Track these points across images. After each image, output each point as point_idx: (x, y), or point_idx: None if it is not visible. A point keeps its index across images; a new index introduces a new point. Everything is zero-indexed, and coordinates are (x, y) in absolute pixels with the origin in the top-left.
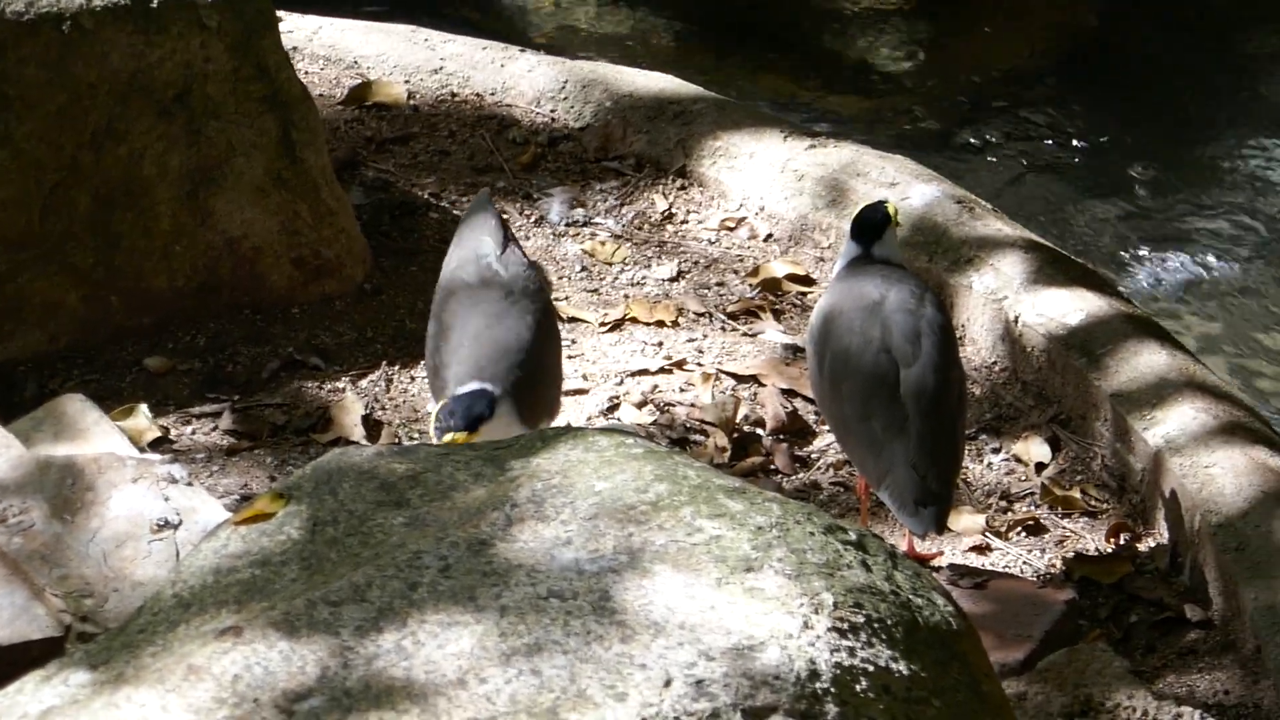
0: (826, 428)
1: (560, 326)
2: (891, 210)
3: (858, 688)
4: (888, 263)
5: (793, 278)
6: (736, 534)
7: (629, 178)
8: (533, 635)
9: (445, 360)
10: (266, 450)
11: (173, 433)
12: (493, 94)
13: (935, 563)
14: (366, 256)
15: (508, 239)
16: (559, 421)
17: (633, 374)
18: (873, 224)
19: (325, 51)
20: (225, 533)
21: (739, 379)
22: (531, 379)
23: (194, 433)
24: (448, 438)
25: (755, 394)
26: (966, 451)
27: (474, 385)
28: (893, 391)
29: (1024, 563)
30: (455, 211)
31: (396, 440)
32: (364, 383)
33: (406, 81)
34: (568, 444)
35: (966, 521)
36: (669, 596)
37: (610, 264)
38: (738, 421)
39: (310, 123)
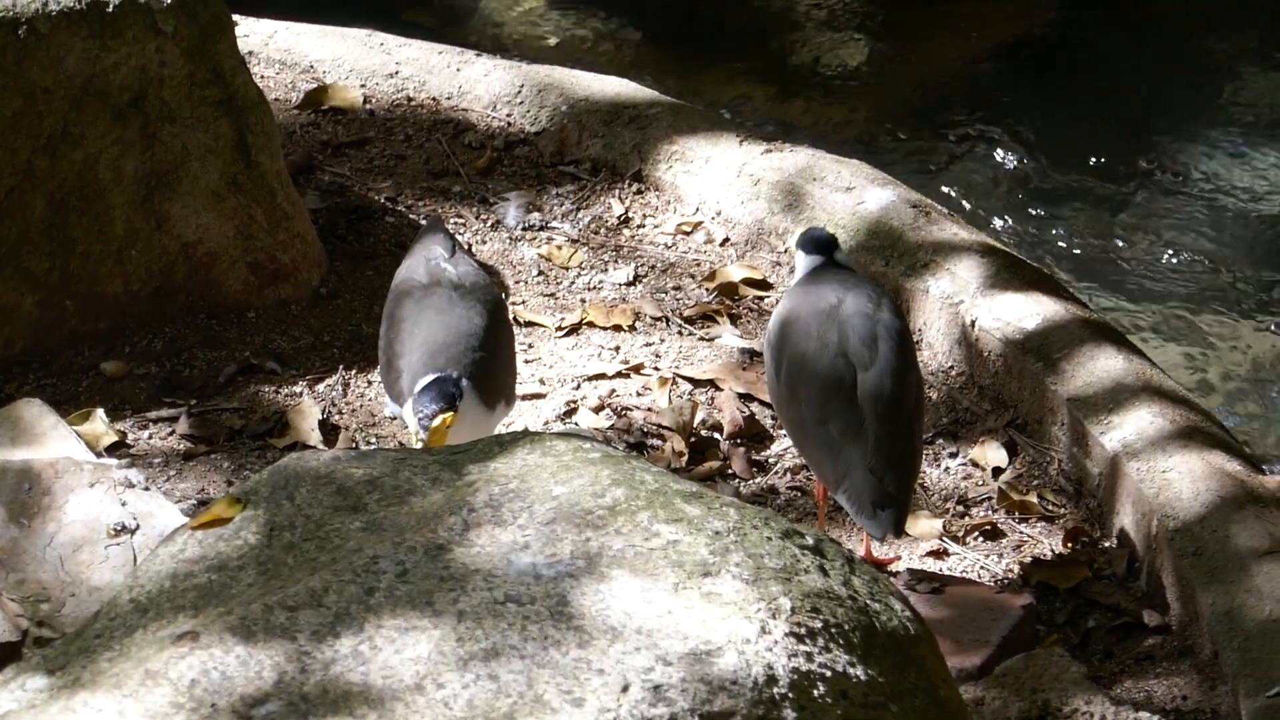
0: (784, 432)
1: (517, 330)
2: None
3: (815, 693)
4: (845, 269)
5: (749, 282)
6: (694, 539)
7: (585, 182)
8: (490, 640)
9: (398, 351)
10: (223, 455)
11: (129, 437)
12: (449, 98)
13: (893, 568)
14: (322, 261)
15: (456, 248)
16: (516, 424)
17: (590, 378)
18: (826, 239)
19: (281, 56)
20: (182, 537)
21: (696, 383)
22: (488, 364)
23: (151, 437)
24: (436, 422)
25: (712, 398)
26: (924, 456)
27: (433, 375)
28: (850, 395)
29: (981, 568)
30: (411, 216)
31: (354, 444)
32: (321, 387)
33: (362, 86)
34: (525, 448)
35: (924, 526)
36: (626, 601)
37: (567, 268)
38: (695, 426)
39: (266, 127)
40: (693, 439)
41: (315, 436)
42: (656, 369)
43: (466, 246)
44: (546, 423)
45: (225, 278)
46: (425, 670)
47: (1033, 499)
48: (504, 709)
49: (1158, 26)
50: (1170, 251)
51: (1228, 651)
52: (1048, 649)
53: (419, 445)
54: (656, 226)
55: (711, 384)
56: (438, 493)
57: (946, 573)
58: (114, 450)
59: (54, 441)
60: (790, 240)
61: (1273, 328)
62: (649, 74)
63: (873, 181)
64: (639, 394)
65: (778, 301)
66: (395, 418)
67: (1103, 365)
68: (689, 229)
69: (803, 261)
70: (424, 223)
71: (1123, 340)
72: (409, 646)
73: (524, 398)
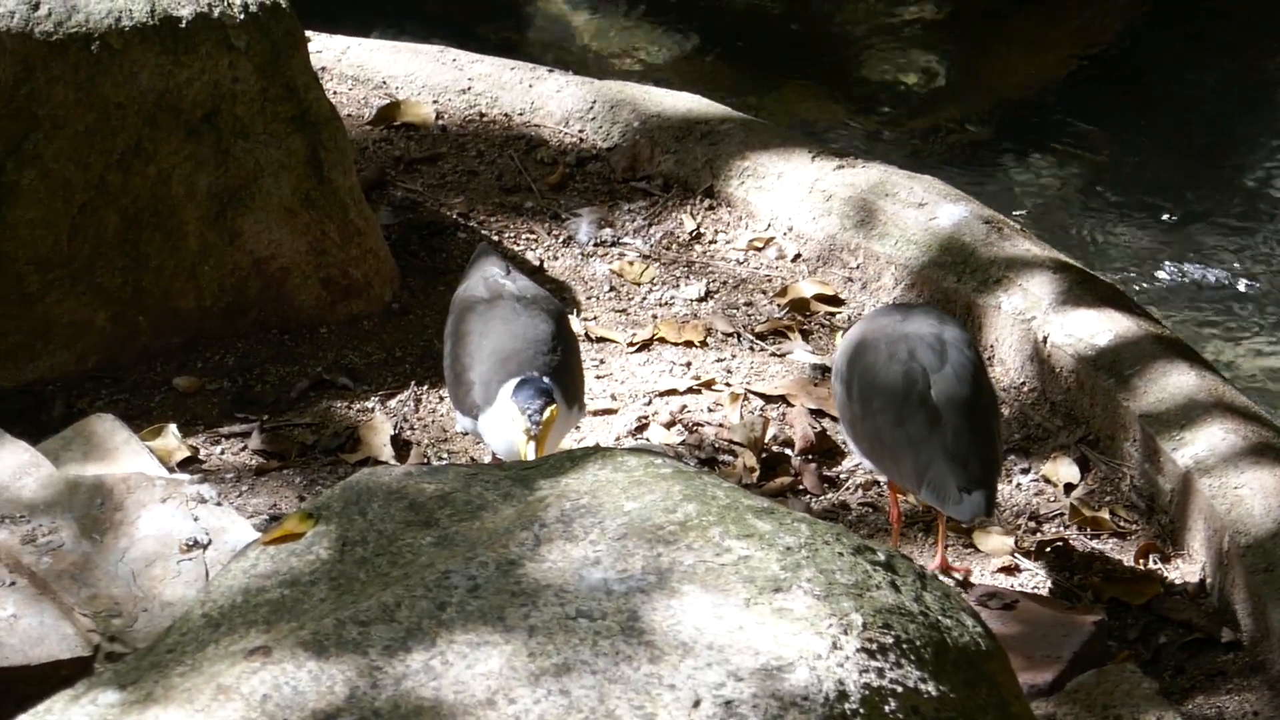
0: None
1: (588, 346)
2: None
3: (886, 709)
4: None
5: (821, 298)
6: (765, 554)
7: (657, 198)
8: (561, 655)
9: (467, 364)
10: (295, 470)
11: (201, 452)
12: (520, 114)
13: (964, 576)
14: (394, 276)
15: (510, 268)
16: (587, 439)
17: (661, 394)
18: None
19: (353, 71)
20: (254, 552)
21: (767, 399)
22: (562, 365)
23: (223, 452)
24: (547, 414)
25: (784, 414)
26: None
27: (517, 378)
28: (924, 395)
29: (1053, 584)
30: (484, 231)
31: (425, 460)
32: (393, 402)
33: (434, 101)
34: (596, 464)
35: (995, 542)
36: (697, 617)
37: (638, 284)
38: (766, 442)
39: (338, 143)
40: (764, 455)
41: (387, 452)
42: (728, 384)
43: (538, 263)
44: (618, 438)
45: (297, 293)
46: (497, 685)
47: (1105, 515)
48: None
49: (1225, 42)
50: (1241, 270)
51: None
52: (1119, 665)
53: (526, 444)
54: (728, 242)
55: (783, 399)
56: (509, 508)
57: (1018, 589)
58: (186, 465)
59: (126, 457)
60: (861, 256)
61: None
62: (721, 90)
63: (945, 197)
64: (710, 409)
65: (849, 319)
66: (466, 433)
67: (1175, 381)
68: (761, 245)
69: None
70: (478, 247)
71: (1195, 356)
72: (480, 661)
73: (595, 413)
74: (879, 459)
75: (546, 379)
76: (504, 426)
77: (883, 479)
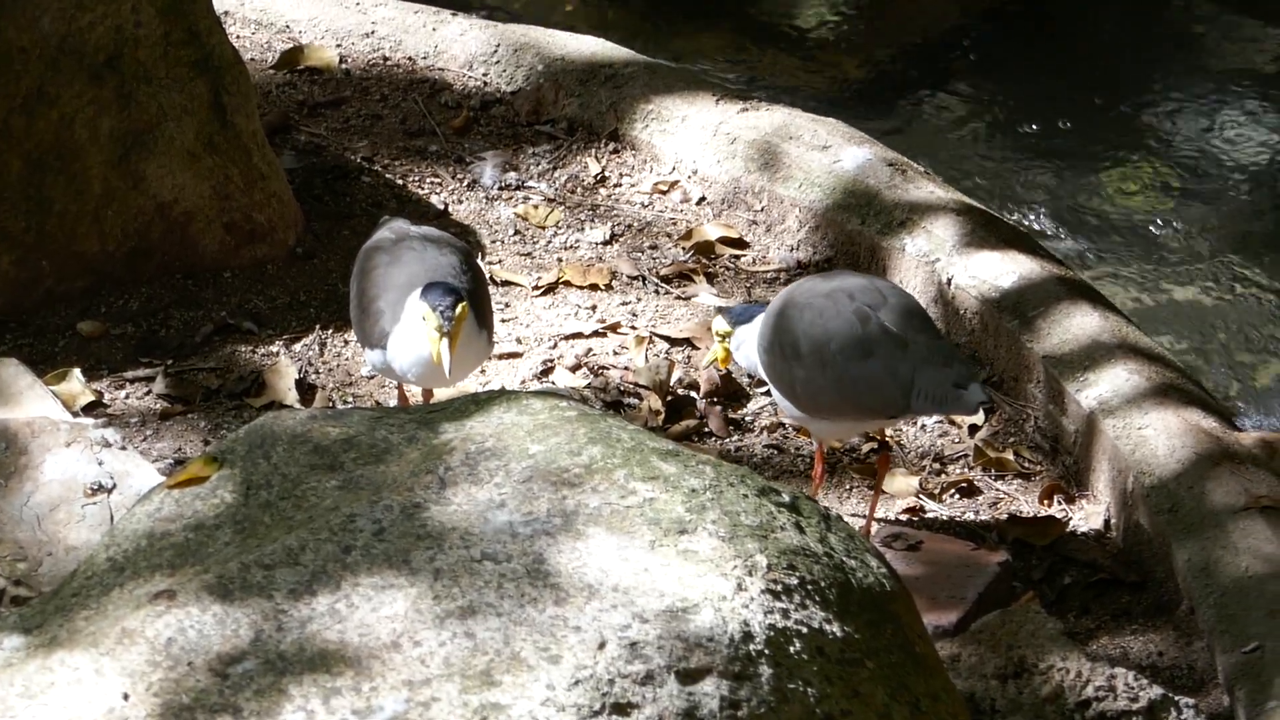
0: (760, 390)
1: (494, 290)
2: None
3: (791, 649)
4: None
5: (726, 241)
6: (670, 496)
7: (561, 141)
8: (467, 598)
9: (374, 295)
10: (200, 414)
11: (106, 397)
12: (425, 58)
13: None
14: (298, 220)
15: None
16: (492, 383)
17: (566, 337)
18: None
19: (256, 16)
20: (159, 496)
21: (673, 342)
22: (473, 292)
23: (127, 397)
24: (459, 310)
25: (689, 357)
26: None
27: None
28: (882, 326)
29: (958, 525)
30: (388, 176)
31: (330, 404)
32: (297, 346)
33: (338, 45)
34: (501, 407)
35: (900, 484)
36: (603, 559)
37: (543, 228)
38: (671, 385)
39: (242, 87)
40: (669, 398)
41: (292, 396)
42: (633, 328)
43: (443, 207)
44: (523, 381)
45: (201, 237)
46: (402, 628)
47: (1009, 456)
48: (480, 666)
49: None
50: (1146, 209)
51: (1204, 607)
52: (1024, 605)
53: (439, 343)
54: (633, 186)
55: (688, 343)
56: (414, 451)
57: (923, 530)
58: (90, 410)
59: (30, 401)
60: (765, 199)
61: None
62: (625, 34)
63: (849, 140)
64: (615, 353)
65: (753, 262)
66: (374, 374)
67: (1079, 323)
68: (665, 188)
69: None
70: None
71: (1099, 298)
72: (385, 604)
73: (501, 356)
74: (841, 406)
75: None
76: (414, 336)
77: (811, 438)
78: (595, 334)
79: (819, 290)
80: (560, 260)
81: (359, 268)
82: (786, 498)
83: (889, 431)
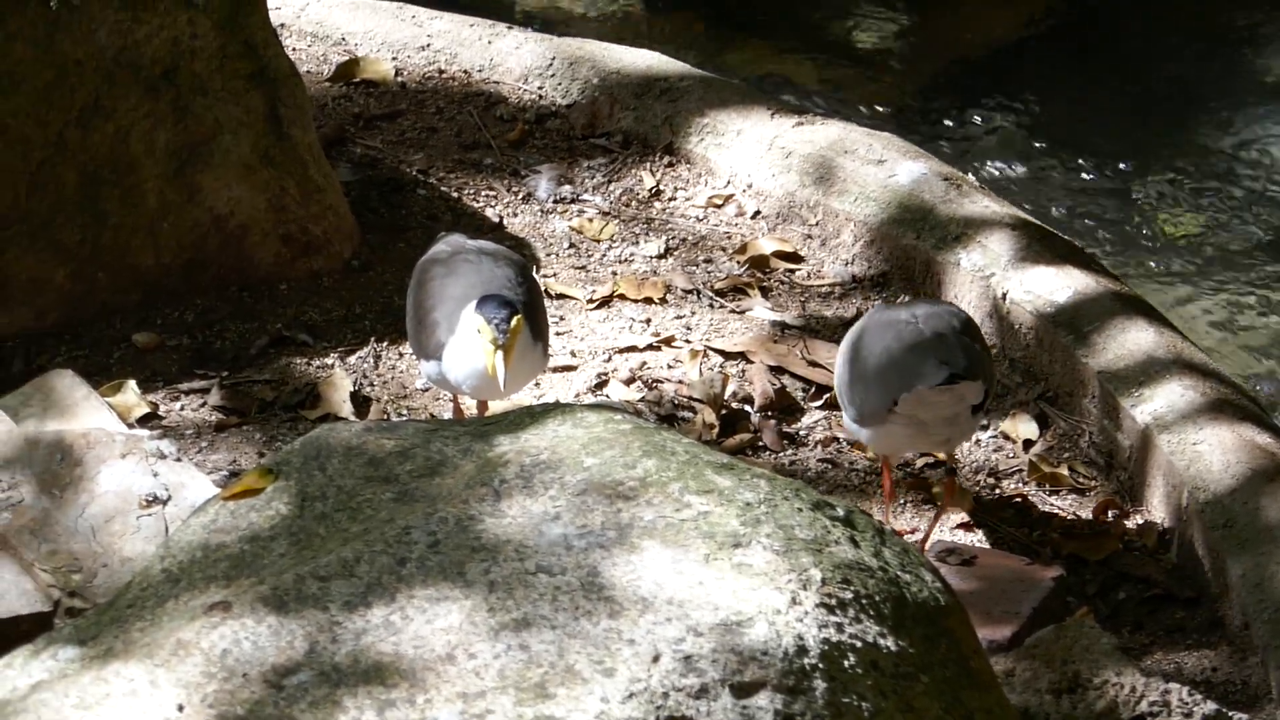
0: (815, 404)
1: (548, 303)
2: None
3: (846, 663)
4: None
5: (780, 255)
6: (725, 510)
7: (616, 155)
8: (521, 610)
9: (430, 306)
10: (255, 426)
11: (161, 409)
12: (480, 71)
13: (914, 538)
14: (354, 233)
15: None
16: (547, 396)
17: (621, 351)
18: None
19: (313, 28)
20: (214, 508)
21: (727, 356)
22: (528, 303)
23: (182, 409)
24: (514, 322)
25: (743, 371)
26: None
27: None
28: (915, 327)
29: (1012, 540)
30: (443, 188)
31: (385, 416)
32: (352, 359)
33: (394, 58)
34: (556, 420)
35: (955, 499)
36: (657, 572)
37: (598, 241)
38: (726, 398)
39: (298, 99)
40: (724, 412)
41: (347, 408)
42: (688, 341)
43: (497, 220)
44: (578, 395)
45: (257, 250)
46: (456, 640)
47: (1064, 471)
48: (535, 679)
49: (1188, 2)
50: (1203, 226)
51: (1258, 623)
52: (1078, 621)
53: (494, 355)
54: (688, 199)
55: (742, 356)
56: (469, 463)
57: (977, 545)
58: (146, 422)
59: (86, 413)
60: (820, 213)
61: None
62: (680, 47)
63: (904, 154)
64: (670, 366)
65: (808, 276)
66: (429, 386)
67: (1133, 338)
68: (720, 202)
69: None
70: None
71: (1153, 313)
72: (440, 616)
73: (555, 369)
74: (867, 392)
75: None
76: (469, 348)
77: (876, 452)
78: (650, 347)
79: (888, 314)
80: (615, 273)
81: (415, 280)
82: (841, 512)
83: (953, 455)
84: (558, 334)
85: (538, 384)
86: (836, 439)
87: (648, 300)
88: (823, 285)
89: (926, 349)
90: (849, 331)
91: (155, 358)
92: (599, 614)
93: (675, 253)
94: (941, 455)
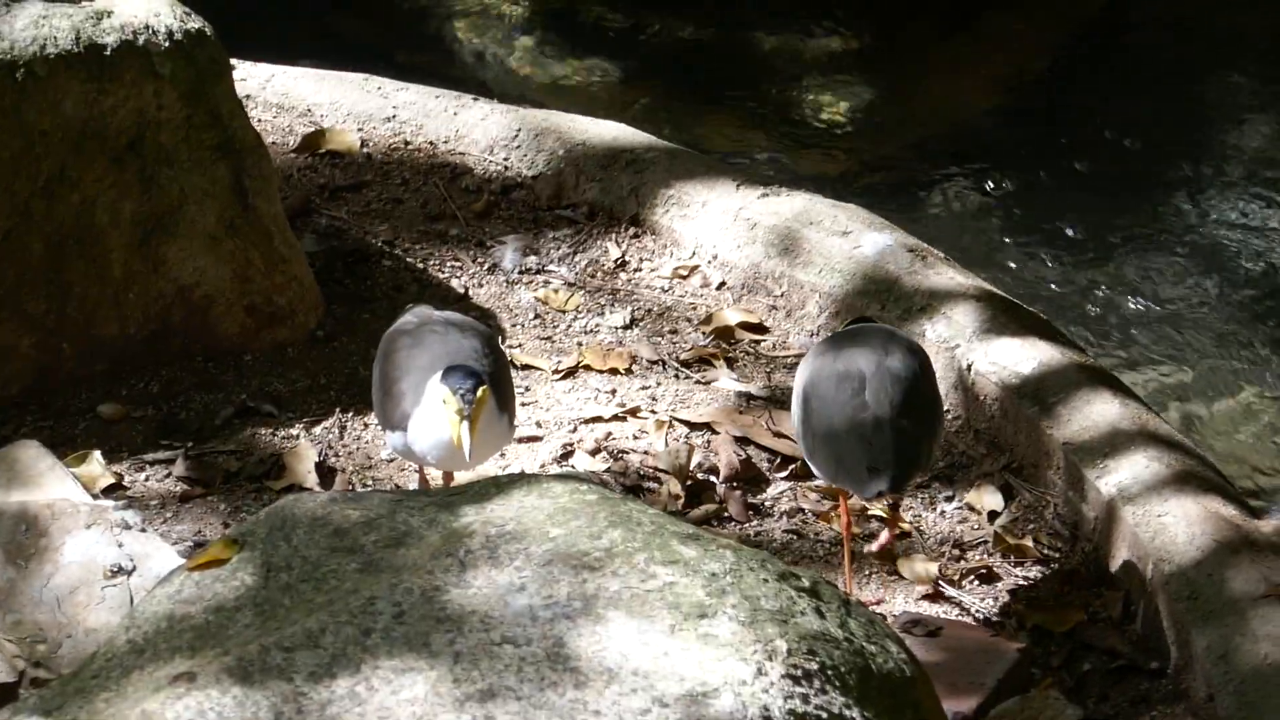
0: (781, 475)
1: (514, 374)
2: None
3: None
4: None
5: (746, 326)
6: (690, 580)
7: (582, 226)
8: (486, 681)
9: (396, 376)
10: (220, 497)
11: (126, 479)
12: (446, 142)
13: (886, 609)
14: (319, 304)
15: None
16: (512, 466)
17: (586, 421)
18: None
19: (278, 99)
20: (179, 578)
21: (692, 427)
22: (494, 375)
23: (147, 479)
24: (480, 392)
25: (709, 441)
26: (920, 498)
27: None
28: (857, 391)
29: (977, 611)
30: (408, 259)
31: (350, 487)
32: (317, 429)
33: (359, 129)
34: (522, 490)
35: (919, 569)
36: (623, 643)
37: (564, 311)
38: (691, 469)
39: (263, 170)
40: (689, 482)
41: (312, 479)
42: (653, 412)
43: (463, 290)
44: (543, 465)
45: (222, 320)
46: (421, 711)
47: (1028, 543)
48: None
49: (1150, 76)
50: (1166, 299)
51: (1223, 695)
52: (1043, 692)
53: (460, 425)
54: (653, 270)
55: (708, 427)
56: (434, 534)
57: (942, 616)
58: (110, 492)
59: (51, 483)
60: (785, 284)
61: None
62: (646, 119)
63: (869, 226)
64: (635, 437)
65: (773, 347)
66: (394, 457)
67: (1099, 410)
68: (685, 273)
69: None
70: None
71: (1118, 385)
72: (405, 688)
73: (521, 440)
74: (817, 460)
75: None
76: (434, 418)
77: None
78: (615, 418)
79: (839, 345)
80: (580, 344)
81: (382, 350)
82: (806, 582)
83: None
84: (523, 404)
85: (503, 454)
86: (802, 509)
87: (613, 371)
88: (788, 356)
89: (864, 449)
90: (800, 369)
91: (120, 428)
92: (564, 685)
93: (641, 323)
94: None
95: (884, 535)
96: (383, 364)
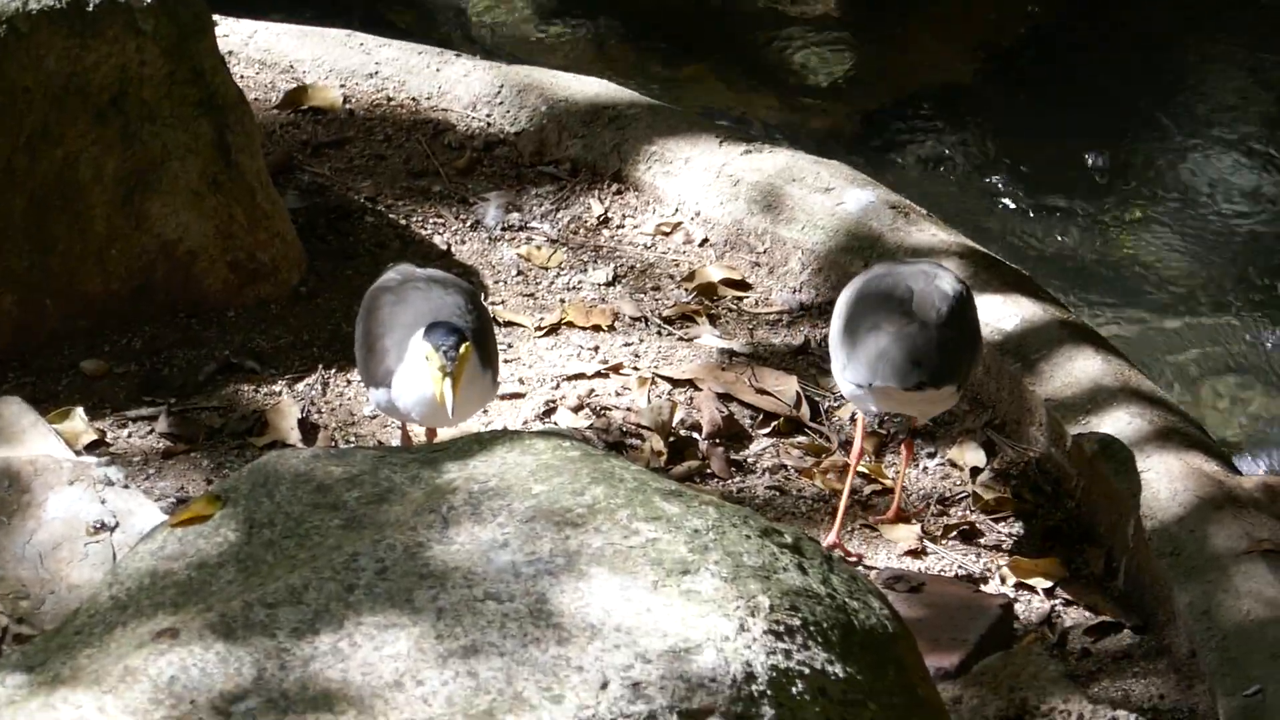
0: (763, 431)
1: (496, 330)
2: None
3: (794, 690)
4: None
5: (728, 282)
6: (673, 537)
7: (565, 182)
8: (469, 637)
9: (380, 333)
10: (203, 453)
11: (109, 436)
12: (428, 98)
13: (869, 565)
14: (302, 260)
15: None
16: (495, 423)
17: (569, 378)
18: None
19: (260, 55)
20: (162, 535)
21: (675, 383)
22: (477, 331)
23: (130, 436)
24: (463, 349)
25: (691, 398)
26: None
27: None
28: (904, 300)
29: (959, 567)
30: (391, 216)
31: (333, 443)
32: (300, 386)
33: (342, 86)
34: (504, 447)
35: (902, 526)
36: (605, 599)
37: (546, 268)
38: (674, 425)
39: (246, 126)
40: (671, 439)
41: (294, 435)
42: (635, 369)
43: (445, 247)
44: (526, 422)
45: (205, 277)
46: (405, 667)
47: (1011, 499)
48: (483, 706)
49: (1134, 33)
50: (1147, 254)
51: (1205, 650)
52: (1025, 648)
53: (442, 382)
54: (636, 227)
55: (690, 384)
56: (417, 490)
57: (924, 572)
58: (93, 449)
59: (33, 440)
60: (768, 241)
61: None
62: (629, 75)
63: (852, 182)
64: (618, 394)
65: (756, 304)
66: (378, 414)
67: (1080, 366)
68: (668, 229)
69: None
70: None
71: (1100, 341)
72: (388, 644)
73: (503, 397)
74: (856, 362)
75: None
76: (417, 375)
77: (859, 410)
78: (598, 375)
79: (882, 272)
80: (563, 301)
81: (365, 307)
82: (789, 539)
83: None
84: (506, 361)
85: (486, 411)
86: (784, 466)
87: (596, 328)
88: (770, 313)
89: (906, 343)
90: (853, 281)
91: (103, 384)
92: (547, 641)
93: (623, 280)
94: (919, 421)
95: (893, 506)
96: (366, 321)
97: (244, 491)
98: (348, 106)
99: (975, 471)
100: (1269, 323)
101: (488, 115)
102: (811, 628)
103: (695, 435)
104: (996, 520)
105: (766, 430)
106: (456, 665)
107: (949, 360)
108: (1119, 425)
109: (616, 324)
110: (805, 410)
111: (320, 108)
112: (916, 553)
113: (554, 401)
